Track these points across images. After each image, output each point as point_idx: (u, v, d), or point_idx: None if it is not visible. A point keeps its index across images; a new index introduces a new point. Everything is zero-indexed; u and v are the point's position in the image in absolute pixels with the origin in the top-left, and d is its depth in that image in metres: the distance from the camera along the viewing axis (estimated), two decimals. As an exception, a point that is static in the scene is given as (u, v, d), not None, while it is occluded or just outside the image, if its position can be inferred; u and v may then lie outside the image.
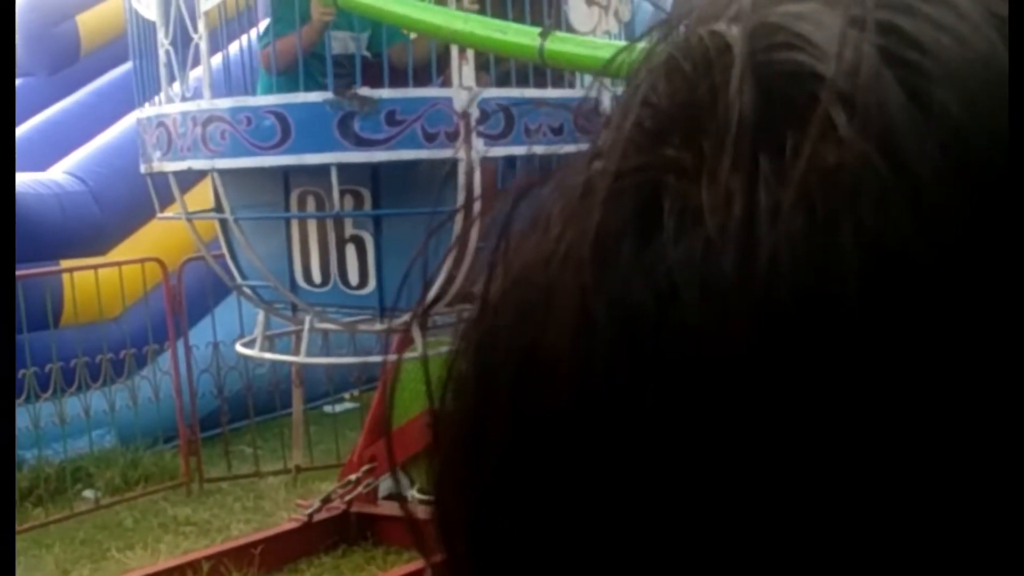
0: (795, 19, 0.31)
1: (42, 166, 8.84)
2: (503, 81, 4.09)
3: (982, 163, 0.29)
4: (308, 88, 3.90)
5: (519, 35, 3.18)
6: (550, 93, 4.18)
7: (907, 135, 0.29)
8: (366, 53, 4.13)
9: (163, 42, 4.09)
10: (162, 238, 8.32)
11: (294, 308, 4.43)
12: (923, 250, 0.28)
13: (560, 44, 3.09)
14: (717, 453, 0.30)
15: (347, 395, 9.11)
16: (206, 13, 3.94)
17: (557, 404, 0.32)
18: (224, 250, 4.56)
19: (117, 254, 8.20)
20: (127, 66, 12.07)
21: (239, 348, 4.59)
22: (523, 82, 4.13)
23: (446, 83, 4.07)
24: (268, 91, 4.18)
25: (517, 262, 0.35)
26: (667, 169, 0.31)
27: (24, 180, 8.04)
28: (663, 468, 0.30)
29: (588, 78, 4.43)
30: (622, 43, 3.20)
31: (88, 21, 13.05)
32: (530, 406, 0.33)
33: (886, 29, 0.30)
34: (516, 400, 0.34)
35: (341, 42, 3.98)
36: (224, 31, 4.20)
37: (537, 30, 3.20)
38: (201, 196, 4.98)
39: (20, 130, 11.16)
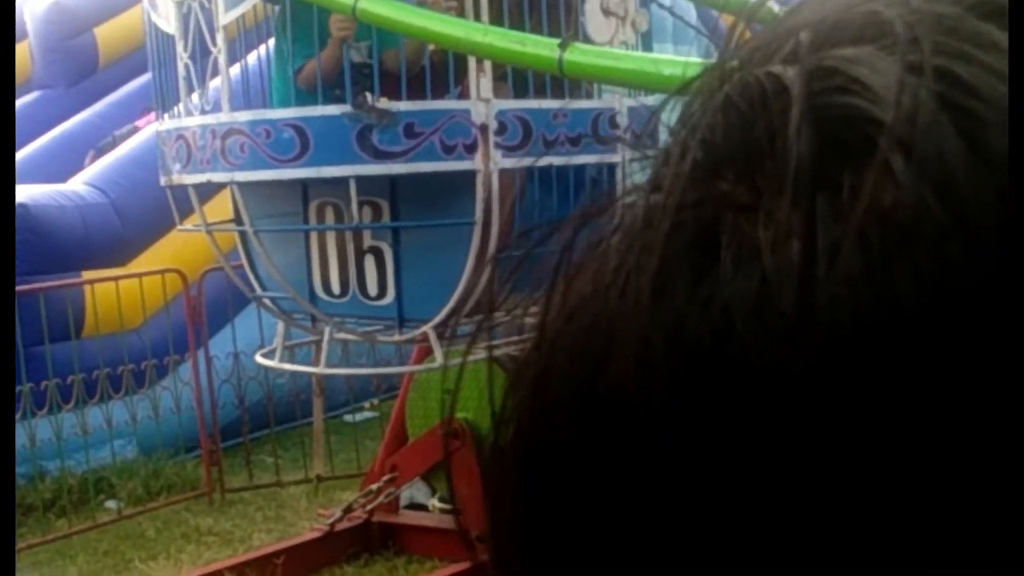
0: (851, 63, 0.31)
1: (61, 178, 8.90)
2: (521, 92, 4.09)
3: None
4: (326, 98, 3.91)
5: (538, 47, 3.18)
6: (568, 104, 4.18)
7: (964, 181, 0.29)
8: (369, 61, 4.13)
9: (182, 55, 4.10)
10: (182, 249, 8.35)
11: (313, 319, 4.44)
12: (979, 293, 0.29)
13: (580, 56, 3.08)
14: (778, 485, 0.30)
15: (367, 404, 9.12)
16: (224, 27, 3.96)
17: (619, 436, 0.33)
18: (244, 261, 4.57)
19: (137, 265, 8.24)
20: (145, 78, 12.14)
21: (259, 359, 4.60)
22: (541, 93, 4.13)
23: (464, 94, 4.08)
24: (285, 102, 4.19)
25: (573, 295, 0.36)
26: (724, 205, 0.32)
27: (45, 192, 8.10)
28: (724, 500, 0.31)
29: (607, 89, 4.44)
30: (641, 55, 3.21)
31: (106, 33, 13.11)
32: (591, 439, 0.34)
33: (943, 75, 0.30)
34: (577, 434, 0.34)
35: (357, 51, 3.99)
36: (242, 43, 4.21)
37: (556, 42, 3.20)
38: (219, 207, 4.99)
39: (39, 142, 11.25)
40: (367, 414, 9.05)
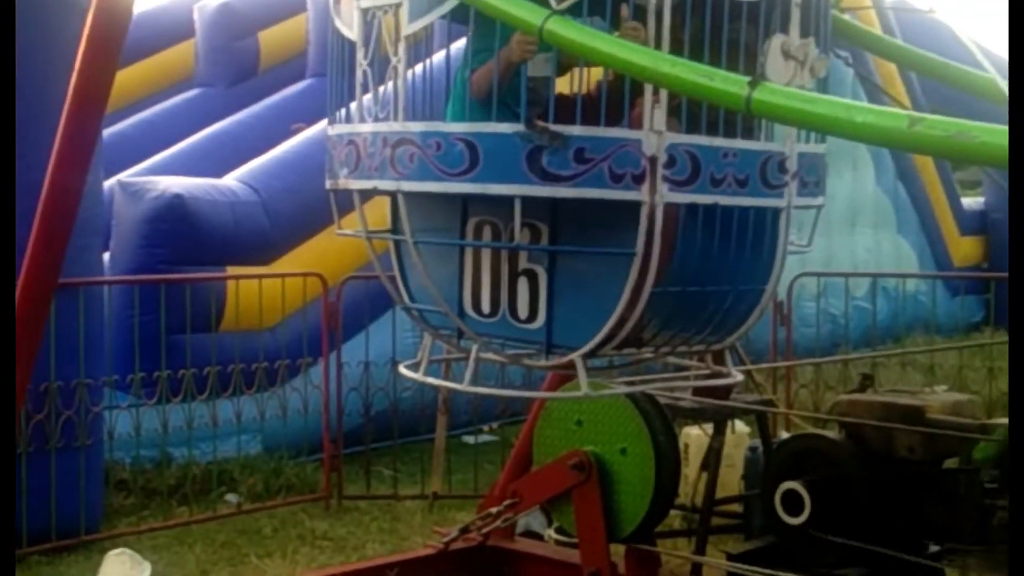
0: None
1: (214, 175, 9.10)
2: (690, 129, 4.02)
3: None
4: (500, 113, 3.90)
5: (727, 83, 3.12)
6: (738, 144, 4.10)
7: None
8: (549, 75, 4.10)
9: (361, 62, 4.14)
10: (324, 255, 8.48)
11: (460, 335, 4.42)
12: None
13: (769, 95, 3.01)
14: None
15: (486, 427, 9.13)
16: (406, 37, 3.99)
17: None
18: (395, 271, 4.58)
19: (280, 266, 8.38)
20: (303, 84, 12.40)
21: (403, 370, 4.58)
22: (712, 131, 4.07)
23: (633, 124, 4.03)
24: (458, 116, 4.19)
25: None
26: None
27: (200, 185, 8.29)
28: None
29: (778, 132, 4.35)
30: (834, 99, 3.13)
31: (269, 38, 13.46)
32: None
33: None
34: None
35: (537, 65, 3.97)
36: (412, 53, 4.23)
37: (745, 79, 3.14)
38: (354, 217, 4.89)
39: (196, 138, 11.56)
40: (487, 437, 9.05)
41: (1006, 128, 2.51)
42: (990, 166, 2.70)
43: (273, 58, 13.35)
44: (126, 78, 12.08)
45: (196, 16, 13.33)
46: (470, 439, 8.86)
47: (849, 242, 13.32)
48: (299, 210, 8.48)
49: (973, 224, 15.39)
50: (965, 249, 15.23)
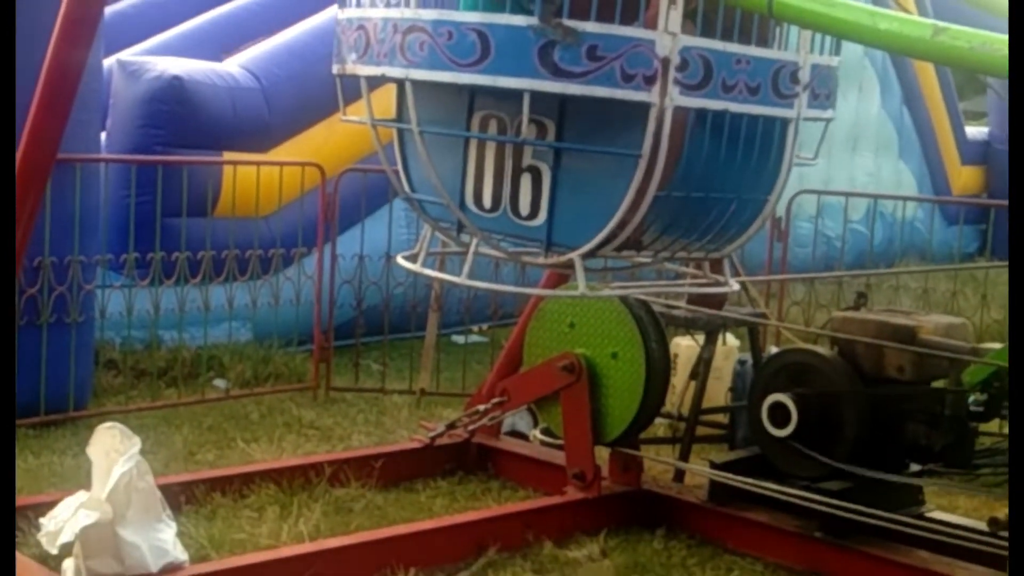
0: None
1: (215, 59, 8.98)
2: (707, 32, 3.97)
3: None
4: (514, 8, 3.83)
5: (749, -18, 3.07)
6: (752, 51, 4.05)
7: None
8: None
9: (374, -55, 4.06)
10: (322, 145, 8.41)
11: (459, 228, 4.40)
12: None
13: (792, -4, 2.97)
14: None
15: (477, 328, 9.15)
16: (422, -79, 3.91)
17: None
18: (398, 161, 4.54)
19: (277, 154, 8.31)
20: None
21: (400, 260, 4.57)
22: (727, 37, 4.01)
23: (648, 25, 3.97)
24: (472, 7, 4.13)
25: None
26: None
27: (201, 68, 8.19)
28: None
29: (792, 40, 4.30)
30: (857, 4, 3.08)
31: (277, -79, 13.15)
32: None
33: None
34: None
35: None
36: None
37: (769, -21, 3.09)
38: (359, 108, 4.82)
39: (198, 21, 11.37)
40: (476, 338, 9.09)
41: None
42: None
43: (279, -57, 13.06)
44: (129, -44, 11.88)
45: None
46: (460, 339, 8.90)
47: (849, 164, 13.26)
48: (299, 99, 8.39)
49: (975, 154, 15.32)
50: (965, 179, 15.18)
